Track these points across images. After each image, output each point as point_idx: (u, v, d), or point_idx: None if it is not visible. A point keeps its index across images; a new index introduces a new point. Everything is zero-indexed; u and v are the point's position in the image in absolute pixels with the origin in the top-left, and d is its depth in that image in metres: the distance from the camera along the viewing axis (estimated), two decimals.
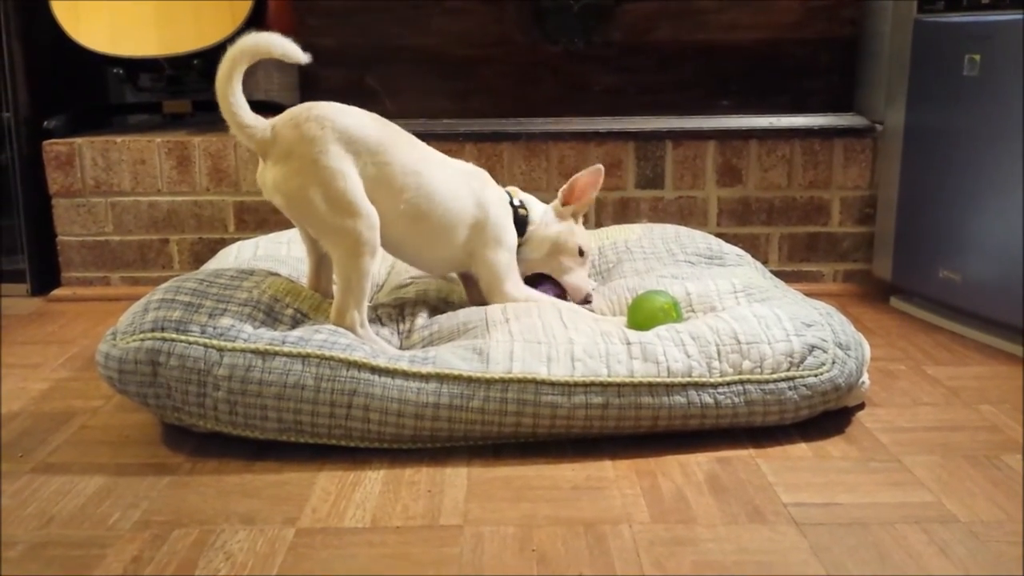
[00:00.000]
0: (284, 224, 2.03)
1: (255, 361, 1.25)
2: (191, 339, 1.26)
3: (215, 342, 1.26)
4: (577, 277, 1.59)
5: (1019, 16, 1.57)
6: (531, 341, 1.31)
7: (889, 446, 1.26)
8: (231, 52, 1.28)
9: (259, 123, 1.33)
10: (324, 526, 1.06)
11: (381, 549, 1.01)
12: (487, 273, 1.50)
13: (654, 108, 2.04)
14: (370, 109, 2.01)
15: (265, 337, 1.28)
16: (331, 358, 1.25)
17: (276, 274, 1.48)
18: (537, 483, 1.16)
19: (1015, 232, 1.59)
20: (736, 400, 1.26)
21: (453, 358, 1.28)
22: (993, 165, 1.64)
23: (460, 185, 1.47)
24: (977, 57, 1.65)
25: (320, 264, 1.46)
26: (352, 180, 1.32)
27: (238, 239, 2.00)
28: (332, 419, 1.24)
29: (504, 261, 1.51)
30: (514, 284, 1.51)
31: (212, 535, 1.04)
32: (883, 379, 1.50)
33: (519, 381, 1.24)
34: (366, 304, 1.36)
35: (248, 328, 1.29)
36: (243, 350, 1.25)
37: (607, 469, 1.20)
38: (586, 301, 1.57)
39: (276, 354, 1.25)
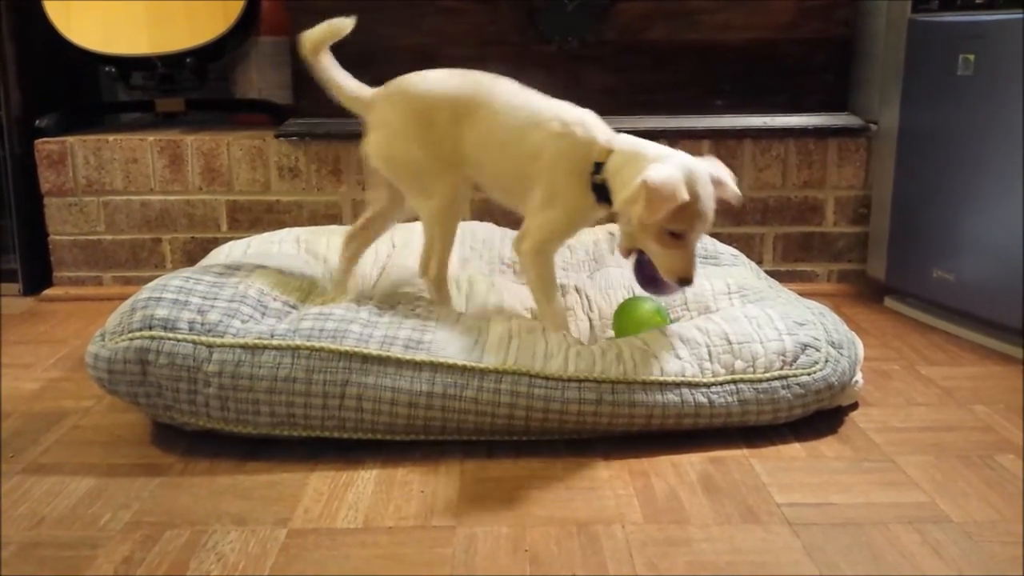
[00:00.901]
0: (277, 224, 2.03)
1: (244, 356, 1.24)
2: (179, 336, 1.25)
3: (204, 338, 1.25)
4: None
5: (1013, 16, 1.57)
6: (528, 339, 1.31)
7: (883, 446, 1.25)
8: (308, 37, 1.43)
9: (363, 92, 1.45)
10: (316, 527, 1.06)
11: (373, 550, 1.01)
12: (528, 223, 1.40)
13: (648, 107, 2.04)
14: None
15: (254, 331, 1.27)
16: (321, 349, 1.24)
17: (263, 266, 1.48)
18: (530, 483, 1.16)
19: (1009, 232, 1.59)
20: (729, 399, 1.26)
21: (449, 345, 1.27)
22: (987, 165, 1.64)
23: (532, 131, 1.36)
24: (971, 57, 1.65)
25: (373, 219, 1.52)
26: (430, 148, 1.39)
27: (231, 238, 1.99)
28: (325, 410, 1.23)
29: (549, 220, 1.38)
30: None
31: (203, 536, 1.04)
32: (877, 379, 1.50)
33: (513, 373, 1.24)
34: (448, 264, 1.46)
35: (236, 323, 1.29)
36: (232, 345, 1.25)
37: (600, 469, 1.19)
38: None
39: (265, 348, 1.25)
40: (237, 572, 0.96)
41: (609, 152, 1.31)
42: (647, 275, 1.35)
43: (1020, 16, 1.55)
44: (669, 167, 1.23)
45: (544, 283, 1.40)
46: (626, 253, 1.39)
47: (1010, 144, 1.58)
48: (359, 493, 1.13)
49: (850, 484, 1.15)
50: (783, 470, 1.19)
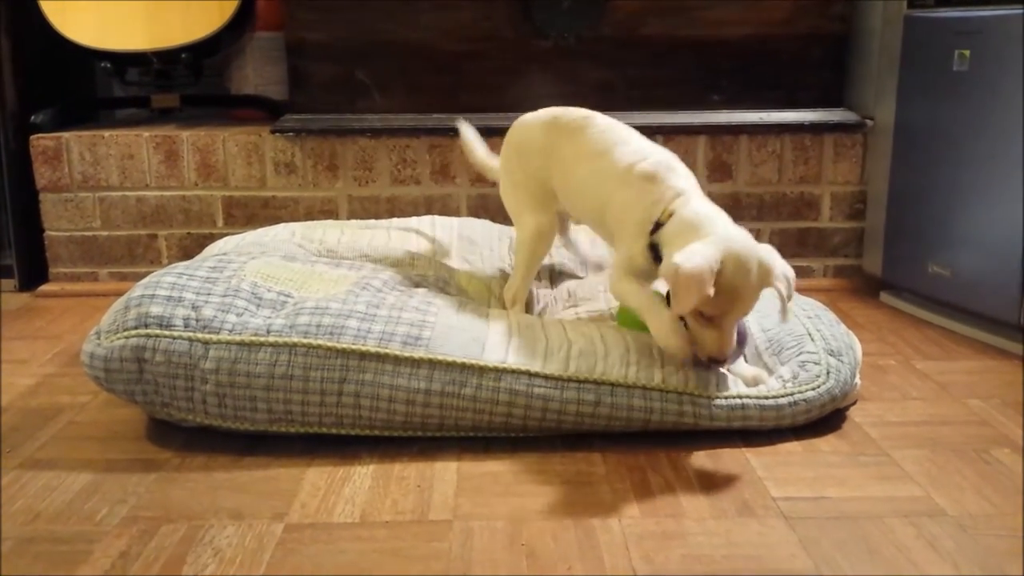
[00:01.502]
0: (273, 219, 2.03)
1: (241, 353, 1.24)
2: (175, 333, 1.25)
3: (199, 335, 1.25)
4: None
5: (1008, 11, 1.57)
6: (529, 337, 1.31)
7: (879, 440, 1.26)
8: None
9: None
10: (313, 521, 1.06)
11: (370, 544, 1.01)
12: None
13: (644, 103, 2.04)
14: (359, 104, 2.02)
15: (250, 326, 1.27)
16: (319, 347, 1.24)
17: (255, 258, 1.47)
18: (527, 478, 1.16)
19: (1006, 227, 1.60)
20: (732, 413, 1.25)
21: (448, 342, 1.27)
22: (983, 160, 1.64)
23: (606, 177, 1.40)
24: (967, 53, 1.65)
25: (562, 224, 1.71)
26: (524, 185, 1.55)
27: (227, 234, 1.99)
28: (323, 407, 1.23)
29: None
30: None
31: (200, 531, 1.04)
32: (873, 374, 1.50)
33: (512, 372, 1.24)
34: (527, 289, 1.54)
35: (232, 317, 1.29)
36: (228, 342, 1.25)
37: (597, 464, 1.19)
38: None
39: (262, 345, 1.24)
40: (233, 567, 0.96)
41: (670, 215, 1.27)
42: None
43: (1016, 12, 1.56)
44: (707, 251, 1.16)
45: (640, 306, 1.30)
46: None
47: (1006, 139, 1.58)
48: (356, 488, 1.14)
49: (846, 478, 1.15)
50: (779, 464, 1.19)
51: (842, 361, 1.32)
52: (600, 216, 1.42)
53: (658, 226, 1.28)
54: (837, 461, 1.20)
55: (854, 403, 1.38)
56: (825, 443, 1.25)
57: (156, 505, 1.10)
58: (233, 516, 1.07)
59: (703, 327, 1.22)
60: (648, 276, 1.33)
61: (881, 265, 1.93)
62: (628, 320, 1.40)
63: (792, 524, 1.04)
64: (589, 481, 1.15)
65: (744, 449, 1.23)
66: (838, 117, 2.01)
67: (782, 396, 1.27)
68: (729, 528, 1.03)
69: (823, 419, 1.31)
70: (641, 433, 1.26)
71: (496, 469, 1.18)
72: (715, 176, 2.02)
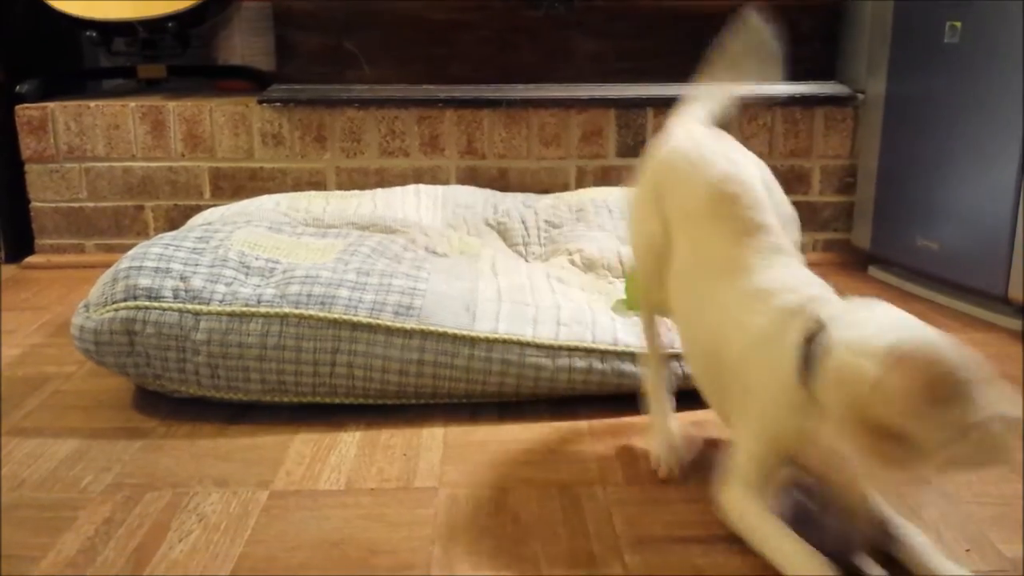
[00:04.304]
0: (260, 191, 2.02)
1: (232, 324, 1.24)
2: (165, 305, 1.25)
3: (190, 306, 1.25)
4: None
5: None
6: (518, 302, 1.31)
7: None
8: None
9: None
10: (298, 488, 1.06)
11: (355, 510, 1.01)
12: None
13: (636, 75, 2.03)
14: (347, 74, 2.00)
15: (240, 296, 1.26)
16: (310, 317, 1.24)
17: (241, 227, 1.47)
18: (513, 446, 1.16)
19: (993, 200, 1.60)
20: None
21: (439, 311, 1.27)
22: (973, 133, 1.64)
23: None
24: (958, 24, 1.65)
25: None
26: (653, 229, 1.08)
27: (214, 205, 1.98)
28: (316, 377, 1.23)
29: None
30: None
31: (185, 497, 1.04)
32: None
33: (504, 342, 1.24)
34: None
35: (221, 287, 1.28)
36: (219, 313, 1.24)
37: (583, 432, 1.20)
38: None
39: (253, 315, 1.24)
40: (218, 533, 0.96)
41: (820, 324, 0.85)
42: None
43: None
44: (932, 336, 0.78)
45: (774, 547, 0.87)
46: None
47: (996, 112, 1.58)
48: (342, 456, 1.14)
49: None
50: None
51: None
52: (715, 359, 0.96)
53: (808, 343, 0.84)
54: None
55: None
56: None
57: (141, 472, 1.09)
58: (218, 483, 1.07)
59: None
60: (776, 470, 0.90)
61: (870, 239, 1.93)
62: (634, 305, 1.39)
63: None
64: (575, 449, 1.15)
65: None
66: (829, 90, 2.01)
67: None
68: (712, 494, 1.03)
69: None
70: (629, 397, 1.26)
71: (482, 438, 1.18)
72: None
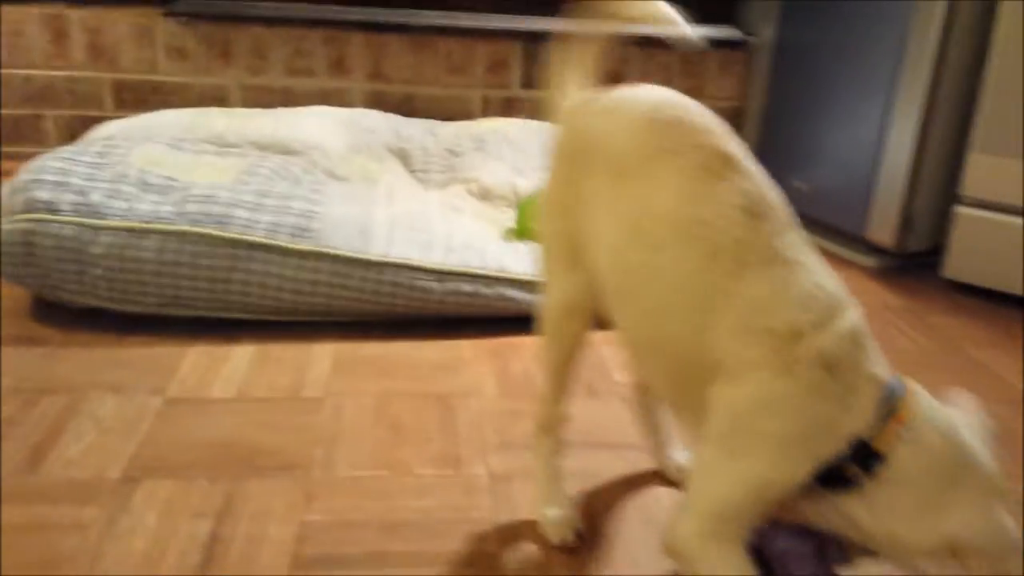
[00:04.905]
0: (163, 104, 2.01)
1: (131, 240, 1.27)
2: (63, 219, 1.28)
3: (88, 221, 1.28)
4: None
5: None
6: (412, 228, 1.38)
7: None
8: None
9: None
10: (191, 396, 1.13)
11: (245, 417, 1.08)
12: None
13: (528, 8, 2.07)
14: None
15: (139, 212, 1.30)
16: (207, 236, 1.28)
17: (141, 143, 1.49)
18: (399, 361, 1.25)
19: (860, 146, 1.72)
20: None
21: (336, 234, 1.33)
22: (846, 81, 1.75)
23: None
24: None
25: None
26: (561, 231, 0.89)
27: (116, 117, 1.97)
28: (211, 293, 1.29)
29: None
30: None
31: (81, 402, 1.09)
32: None
33: (395, 265, 1.31)
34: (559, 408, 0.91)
35: (119, 203, 1.31)
36: (117, 228, 1.28)
37: (465, 350, 1.29)
38: None
39: (151, 232, 1.28)
40: (112, 436, 1.03)
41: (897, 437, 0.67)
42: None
43: None
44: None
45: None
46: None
47: (868, 61, 1.69)
48: (234, 367, 1.20)
49: None
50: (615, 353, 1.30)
51: None
52: (684, 368, 0.72)
53: (866, 454, 0.67)
54: None
55: None
56: None
57: (39, 377, 1.14)
58: (114, 390, 1.13)
59: None
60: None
61: None
62: (524, 233, 1.47)
63: (629, 404, 1.15)
64: (455, 365, 1.24)
65: (600, 337, 1.34)
66: (724, 34, 2.09)
67: None
68: (576, 407, 1.14)
69: None
70: (511, 320, 1.35)
71: (371, 353, 1.27)
72: (607, 84, 2.08)
